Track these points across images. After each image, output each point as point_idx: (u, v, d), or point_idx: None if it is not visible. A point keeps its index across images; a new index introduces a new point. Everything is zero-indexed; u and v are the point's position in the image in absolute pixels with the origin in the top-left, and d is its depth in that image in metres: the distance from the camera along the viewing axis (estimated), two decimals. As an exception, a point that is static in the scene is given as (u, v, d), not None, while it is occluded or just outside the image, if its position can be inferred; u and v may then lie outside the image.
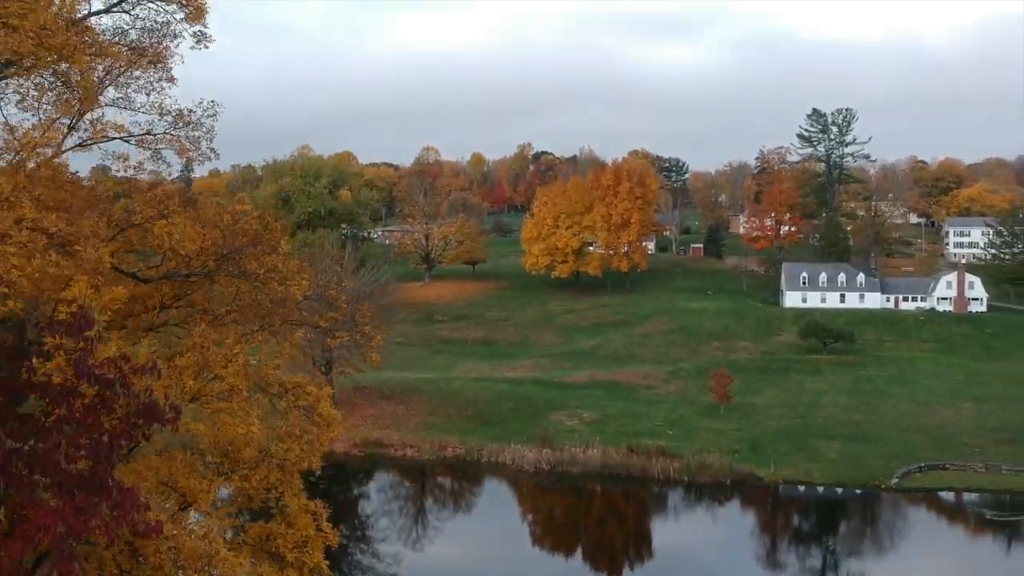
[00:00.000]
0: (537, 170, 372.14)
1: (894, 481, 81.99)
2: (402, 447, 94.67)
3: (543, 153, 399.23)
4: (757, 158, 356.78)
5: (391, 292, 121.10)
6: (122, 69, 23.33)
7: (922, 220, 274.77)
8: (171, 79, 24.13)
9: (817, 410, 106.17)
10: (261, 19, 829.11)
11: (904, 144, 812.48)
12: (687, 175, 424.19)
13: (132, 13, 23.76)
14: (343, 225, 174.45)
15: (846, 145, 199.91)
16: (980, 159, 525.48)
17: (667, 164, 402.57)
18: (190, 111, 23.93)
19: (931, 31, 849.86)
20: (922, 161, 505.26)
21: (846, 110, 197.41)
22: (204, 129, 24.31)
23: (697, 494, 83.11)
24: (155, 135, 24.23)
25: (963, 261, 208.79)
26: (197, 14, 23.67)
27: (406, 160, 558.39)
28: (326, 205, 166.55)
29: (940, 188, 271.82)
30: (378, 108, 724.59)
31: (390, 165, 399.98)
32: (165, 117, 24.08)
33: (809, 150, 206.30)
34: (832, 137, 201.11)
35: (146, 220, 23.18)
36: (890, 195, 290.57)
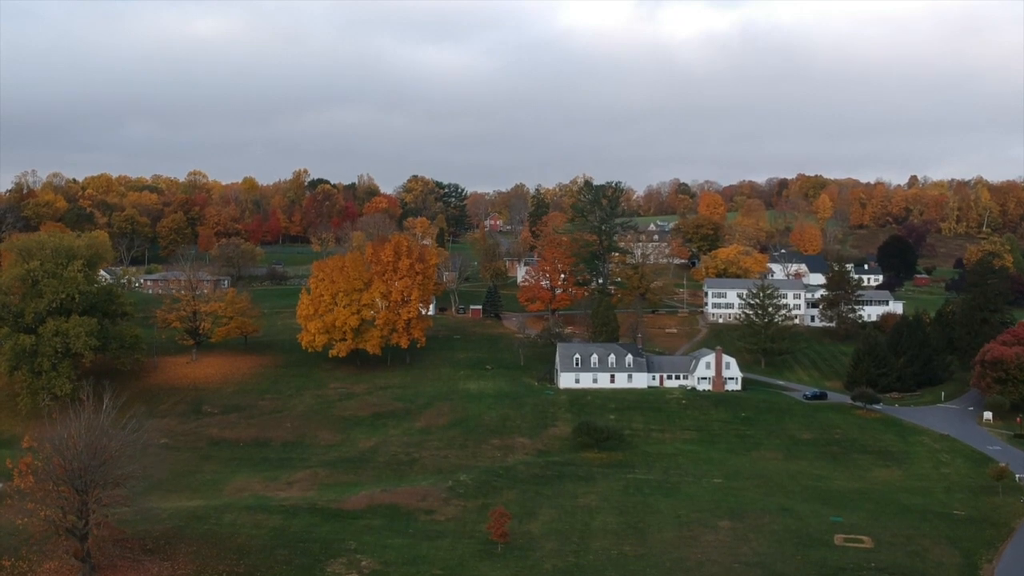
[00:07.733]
0: (314, 199, 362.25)
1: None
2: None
3: (320, 181, 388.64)
4: (534, 196, 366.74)
5: (152, 368, 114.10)
6: None
7: (685, 261, 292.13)
8: None
9: (590, 539, 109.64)
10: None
11: (669, 161, 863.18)
12: (466, 199, 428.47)
13: None
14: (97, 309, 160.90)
15: (616, 218, 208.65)
16: (735, 181, 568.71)
17: (446, 190, 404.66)
18: None
19: (684, 42, 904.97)
20: (684, 184, 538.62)
21: (615, 185, 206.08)
22: None
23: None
24: None
25: (720, 320, 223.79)
26: None
27: (175, 171, 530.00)
28: (81, 289, 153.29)
29: (700, 235, 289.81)
30: (137, 107, 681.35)
31: (154, 189, 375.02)
32: None
33: (581, 220, 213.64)
34: (603, 209, 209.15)
35: None
36: (656, 236, 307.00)
